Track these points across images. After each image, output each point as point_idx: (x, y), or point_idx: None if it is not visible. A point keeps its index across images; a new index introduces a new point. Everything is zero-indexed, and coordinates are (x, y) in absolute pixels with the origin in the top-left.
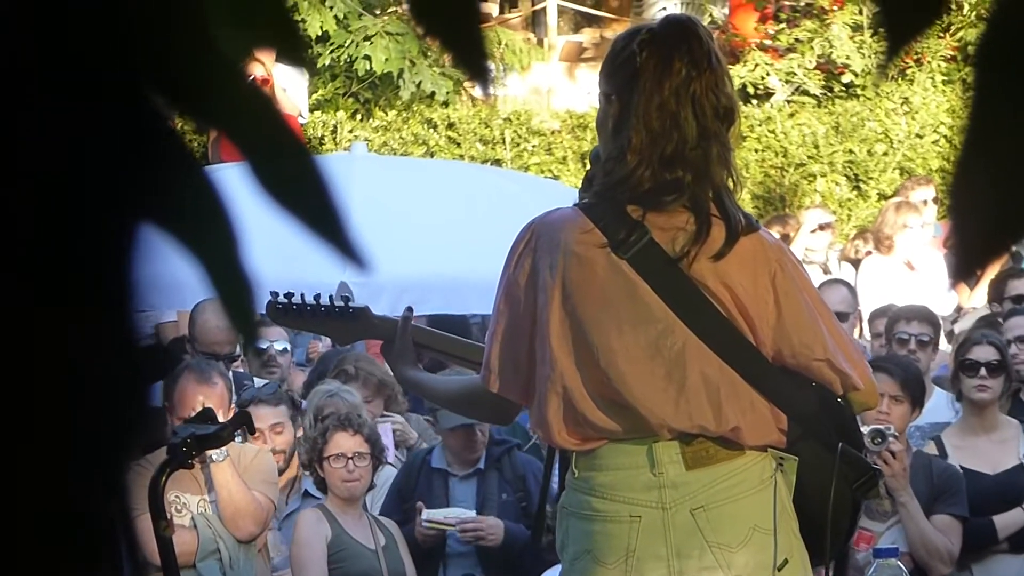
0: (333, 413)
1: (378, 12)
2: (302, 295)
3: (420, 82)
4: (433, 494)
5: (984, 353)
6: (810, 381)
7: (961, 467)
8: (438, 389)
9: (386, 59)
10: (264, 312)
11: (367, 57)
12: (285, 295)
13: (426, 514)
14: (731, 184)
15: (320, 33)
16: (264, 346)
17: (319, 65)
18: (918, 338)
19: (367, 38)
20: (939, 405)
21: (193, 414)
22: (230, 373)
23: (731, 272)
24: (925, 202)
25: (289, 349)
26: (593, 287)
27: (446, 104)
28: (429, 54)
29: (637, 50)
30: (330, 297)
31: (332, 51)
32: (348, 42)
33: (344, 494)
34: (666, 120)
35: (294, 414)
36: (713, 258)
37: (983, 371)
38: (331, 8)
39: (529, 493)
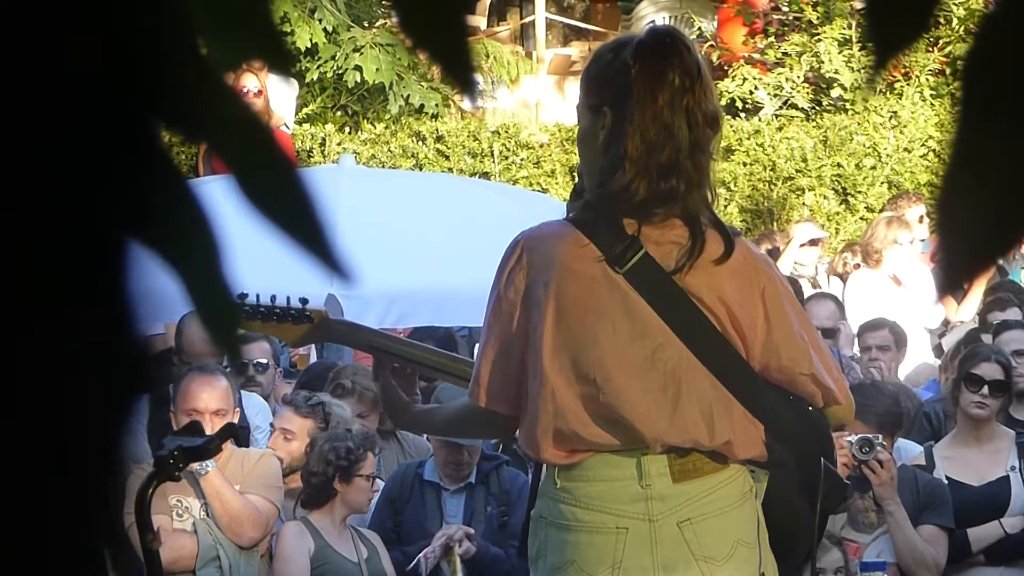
0: (359, 432)
1: (367, 25)
2: (257, 296)
3: (408, 95)
4: (425, 507)
5: (990, 370)
6: (790, 395)
7: (947, 477)
8: (435, 420)
9: (377, 69)
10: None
11: (358, 68)
12: (239, 295)
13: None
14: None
15: (309, 46)
16: (244, 362)
17: (308, 78)
18: (880, 346)
19: (357, 49)
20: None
21: (189, 418)
22: None
23: (725, 285)
24: (921, 218)
25: (270, 363)
26: (589, 302)
27: (436, 117)
28: (418, 67)
29: (631, 62)
30: (287, 299)
31: (320, 64)
32: (338, 54)
33: (367, 509)
34: (661, 130)
35: (320, 432)
36: (709, 269)
37: (986, 388)
38: (320, 21)
39: (511, 507)
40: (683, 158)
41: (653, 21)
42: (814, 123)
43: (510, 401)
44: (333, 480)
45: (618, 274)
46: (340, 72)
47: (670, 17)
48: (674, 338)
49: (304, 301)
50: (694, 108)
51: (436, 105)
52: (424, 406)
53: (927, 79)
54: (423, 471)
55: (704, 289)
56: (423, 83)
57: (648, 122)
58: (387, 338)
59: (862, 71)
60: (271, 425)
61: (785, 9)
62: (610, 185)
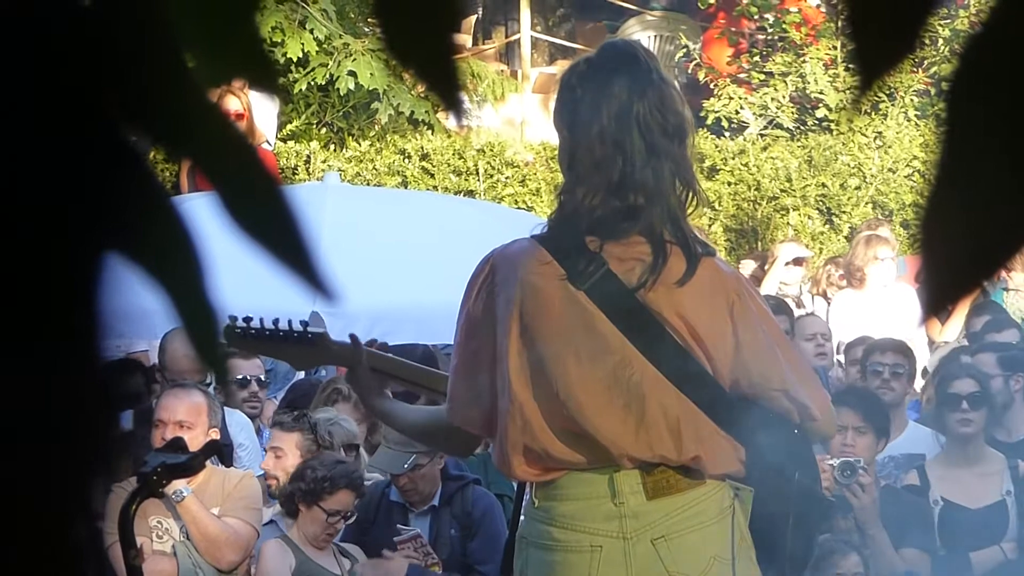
0: (343, 466)
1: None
2: (260, 320)
3: (399, 104)
4: (391, 528)
5: (965, 386)
6: (767, 411)
7: (943, 499)
8: (405, 419)
9: (371, 75)
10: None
11: (352, 74)
12: (244, 319)
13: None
14: (693, 201)
15: (301, 55)
16: (240, 378)
17: (295, 90)
18: (892, 369)
19: (350, 55)
20: (917, 437)
21: (169, 438)
22: None
23: (688, 303)
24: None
25: (266, 380)
26: (550, 319)
27: (430, 127)
28: (406, 79)
29: (576, 82)
30: (288, 322)
31: (310, 72)
32: (330, 62)
33: (319, 545)
34: (608, 147)
35: (311, 443)
36: (671, 287)
37: (964, 404)
38: (311, 31)
39: (472, 529)
40: (638, 171)
41: (639, 40)
42: (799, 143)
43: (479, 421)
44: (293, 497)
45: (579, 291)
46: (332, 79)
47: (655, 36)
48: (637, 354)
49: (305, 324)
50: (646, 117)
51: (426, 112)
52: (399, 402)
53: (912, 99)
54: (390, 492)
55: (664, 305)
56: (411, 95)
57: (594, 141)
58: (390, 360)
59: (847, 91)
60: (264, 448)
61: (770, 29)
62: (566, 207)
